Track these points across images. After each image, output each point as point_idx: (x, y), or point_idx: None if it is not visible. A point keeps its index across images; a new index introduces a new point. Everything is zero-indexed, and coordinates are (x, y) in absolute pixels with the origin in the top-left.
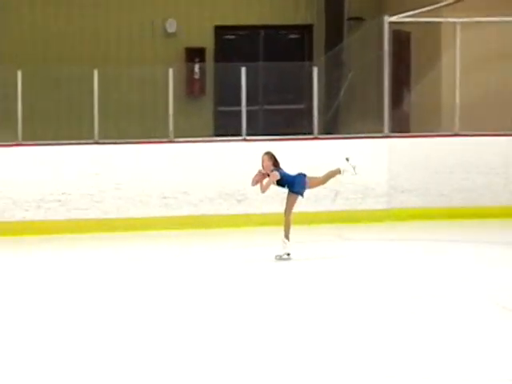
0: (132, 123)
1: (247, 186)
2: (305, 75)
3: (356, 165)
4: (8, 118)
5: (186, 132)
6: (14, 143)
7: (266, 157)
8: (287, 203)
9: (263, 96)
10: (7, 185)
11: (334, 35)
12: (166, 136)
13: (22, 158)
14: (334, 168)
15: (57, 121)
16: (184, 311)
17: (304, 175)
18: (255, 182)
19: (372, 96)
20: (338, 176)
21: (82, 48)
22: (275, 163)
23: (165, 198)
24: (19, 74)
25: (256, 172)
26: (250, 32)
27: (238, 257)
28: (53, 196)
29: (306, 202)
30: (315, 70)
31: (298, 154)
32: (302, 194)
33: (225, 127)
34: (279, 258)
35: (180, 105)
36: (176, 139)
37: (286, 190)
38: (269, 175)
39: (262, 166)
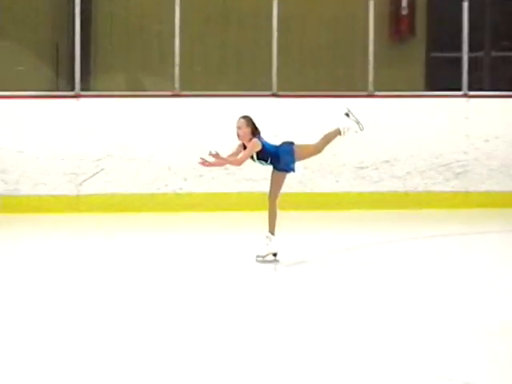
0: (319, 71)
1: (469, 156)
2: None
3: (359, 118)
4: (163, 60)
5: (389, 84)
6: (169, 93)
7: (244, 122)
8: (271, 185)
9: (490, 39)
10: (161, 147)
11: None
12: (365, 89)
13: (180, 113)
14: (330, 129)
15: (222, 65)
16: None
17: (291, 143)
18: (206, 163)
19: None
20: (338, 137)
21: None
22: (254, 130)
23: (362, 168)
24: (177, 3)
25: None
26: None
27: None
28: None
29: None
30: None
31: None
32: (292, 170)
33: (440, 78)
34: (261, 259)
35: (382, 49)
36: (377, 93)
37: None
38: (245, 147)
39: (238, 134)
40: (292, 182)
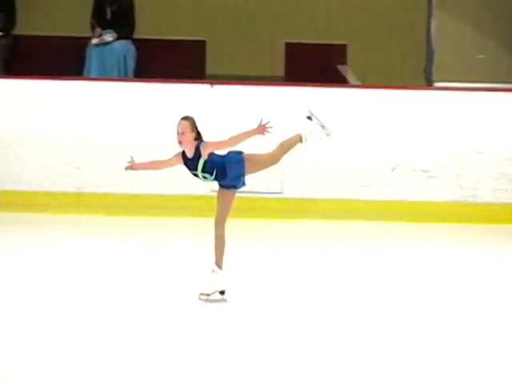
0: None
1: None
2: None
3: (324, 121)
4: None
5: None
6: None
7: (189, 125)
8: (218, 207)
9: None
10: None
11: None
12: None
13: None
14: (290, 135)
15: None
16: None
17: (240, 153)
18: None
19: None
20: (299, 145)
21: None
22: (198, 135)
23: None
24: None
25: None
26: None
27: None
28: None
29: None
30: None
31: None
32: (242, 185)
33: None
34: (206, 298)
35: None
36: None
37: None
38: (185, 156)
39: (180, 141)
40: None
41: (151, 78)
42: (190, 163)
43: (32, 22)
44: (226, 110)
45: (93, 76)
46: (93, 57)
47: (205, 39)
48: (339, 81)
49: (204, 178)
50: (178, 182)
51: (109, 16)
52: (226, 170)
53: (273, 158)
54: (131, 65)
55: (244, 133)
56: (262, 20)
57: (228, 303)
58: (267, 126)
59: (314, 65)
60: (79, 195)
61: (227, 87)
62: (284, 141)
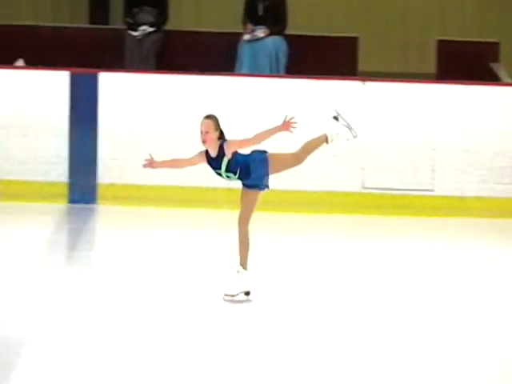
0: None
1: None
2: None
3: (351, 122)
4: None
5: None
6: None
7: (212, 124)
8: (242, 207)
9: None
10: None
11: None
12: None
13: None
14: (316, 135)
15: None
16: None
17: (264, 152)
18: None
19: None
20: (324, 145)
21: None
22: (221, 134)
23: None
24: None
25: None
26: None
27: None
28: None
29: None
30: None
31: None
32: (266, 186)
33: None
34: (231, 299)
35: None
36: None
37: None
38: (208, 155)
39: (204, 140)
40: None
41: (302, 74)
42: (214, 162)
43: (184, 17)
44: (377, 107)
45: (245, 72)
46: (245, 53)
47: (357, 36)
48: (491, 79)
49: (228, 177)
50: (328, 177)
51: (261, 12)
52: (249, 170)
53: (297, 159)
54: (283, 61)
55: (268, 130)
56: (413, 17)
57: (252, 304)
58: (292, 122)
59: (466, 62)
60: (229, 191)
61: (379, 84)
62: (309, 141)
